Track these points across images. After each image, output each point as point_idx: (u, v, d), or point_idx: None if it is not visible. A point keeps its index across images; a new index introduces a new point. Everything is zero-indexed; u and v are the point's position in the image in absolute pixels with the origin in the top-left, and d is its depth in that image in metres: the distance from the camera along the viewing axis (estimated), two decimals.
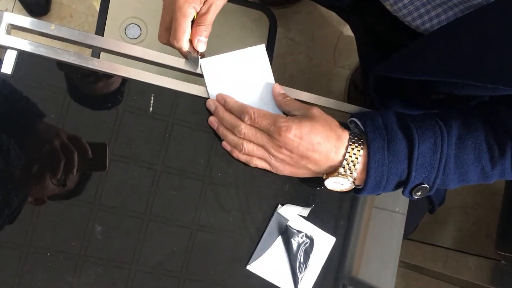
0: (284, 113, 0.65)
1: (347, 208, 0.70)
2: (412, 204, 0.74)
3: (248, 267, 0.65)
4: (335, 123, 0.61)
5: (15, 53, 0.58)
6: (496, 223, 1.16)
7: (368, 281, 0.71)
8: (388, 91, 0.70)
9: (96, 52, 0.84)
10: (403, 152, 0.59)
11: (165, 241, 0.62)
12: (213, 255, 0.64)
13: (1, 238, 0.57)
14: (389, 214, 0.73)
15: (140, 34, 0.96)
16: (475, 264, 1.21)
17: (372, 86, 0.70)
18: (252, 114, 0.60)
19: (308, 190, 0.68)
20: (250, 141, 0.61)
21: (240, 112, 0.61)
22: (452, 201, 1.66)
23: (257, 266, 0.65)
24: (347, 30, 1.56)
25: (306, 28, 1.54)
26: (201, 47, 0.62)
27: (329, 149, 0.59)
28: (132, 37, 0.96)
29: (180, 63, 0.63)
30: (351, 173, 0.60)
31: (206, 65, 0.63)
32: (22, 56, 0.58)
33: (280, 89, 0.65)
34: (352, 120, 0.64)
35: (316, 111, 0.61)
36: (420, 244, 1.48)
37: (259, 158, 0.62)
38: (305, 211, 0.67)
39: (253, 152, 0.62)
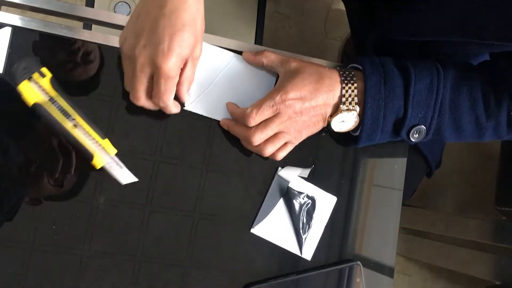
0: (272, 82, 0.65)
1: (347, 167, 0.71)
2: (410, 167, 0.74)
3: (252, 230, 0.65)
4: (316, 64, 0.62)
5: (6, 29, 0.58)
6: (494, 184, 1.17)
7: (370, 254, 0.72)
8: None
9: (88, 26, 0.84)
10: (399, 88, 0.59)
11: (166, 221, 0.62)
12: (217, 222, 0.64)
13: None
14: (387, 190, 0.73)
15: (130, 11, 0.95)
16: (476, 224, 1.22)
17: (371, 51, 0.70)
18: (253, 114, 0.59)
19: (307, 151, 0.68)
20: (268, 142, 0.61)
21: (242, 120, 0.60)
22: (450, 167, 1.67)
23: (261, 229, 0.65)
24: (336, 2, 1.56)
25: (296, 2, 1.53)
26: (188, 99, 0.62)
27: (326, 90, 0.60)
28: (122, 15, 0.95)
29: None
30: (353, 106, 0.60)
31: (191, 105, 0.63)
32: (15, 30, 0.58)
33: (250, 52, 0.65)
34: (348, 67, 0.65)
35: (295, 63, 0.61)
36: (421, 210, 1.50)
37: (282, 147, 0.63)
38: (305, 172, 0.68)
39: (275, 149, 0.62)
